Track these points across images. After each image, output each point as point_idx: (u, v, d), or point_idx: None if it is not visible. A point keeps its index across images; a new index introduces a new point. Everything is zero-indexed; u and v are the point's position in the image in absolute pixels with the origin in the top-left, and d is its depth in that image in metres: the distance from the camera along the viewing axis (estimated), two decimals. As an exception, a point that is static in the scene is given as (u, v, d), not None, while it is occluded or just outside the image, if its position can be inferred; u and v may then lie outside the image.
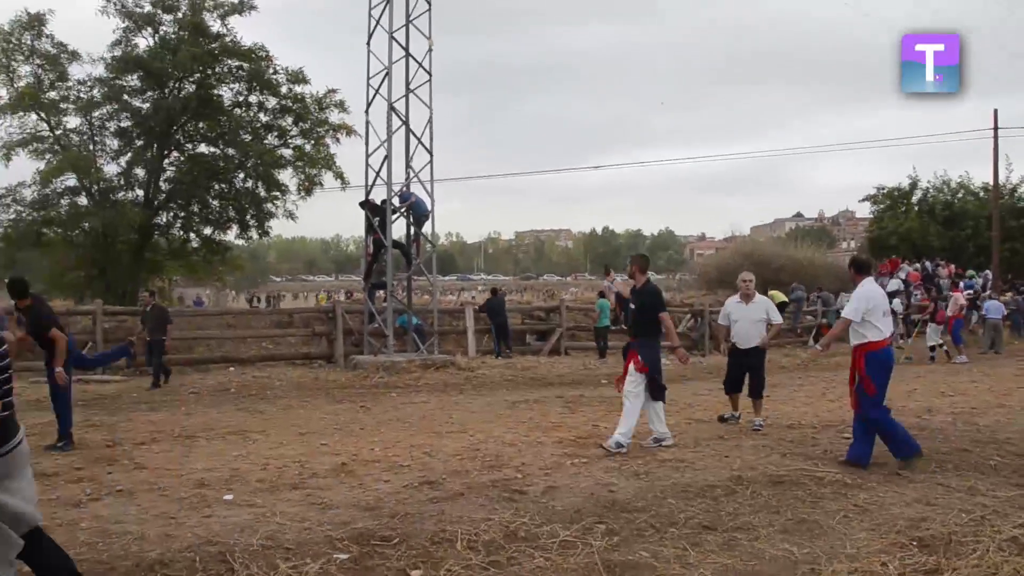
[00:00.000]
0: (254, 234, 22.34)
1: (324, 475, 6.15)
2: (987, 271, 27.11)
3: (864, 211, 40.85)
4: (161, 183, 21.14)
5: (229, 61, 20.63)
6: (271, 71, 20.68)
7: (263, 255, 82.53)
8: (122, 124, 20.71)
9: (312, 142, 21.53)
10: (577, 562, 4.17)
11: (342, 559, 4.21)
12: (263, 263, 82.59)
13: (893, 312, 19.85)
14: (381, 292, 16.20)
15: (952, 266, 28.18)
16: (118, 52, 20.20)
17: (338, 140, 21.39)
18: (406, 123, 15.37)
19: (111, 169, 20.70)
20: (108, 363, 10.95)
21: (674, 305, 22.34)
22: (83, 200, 20.38)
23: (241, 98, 21.26)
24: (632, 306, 7.34)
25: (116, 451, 7.18)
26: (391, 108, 14.94)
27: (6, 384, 3.08)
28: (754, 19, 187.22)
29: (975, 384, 12.37)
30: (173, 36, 20.39)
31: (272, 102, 21.22)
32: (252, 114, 21.47)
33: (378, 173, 15.27)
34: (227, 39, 20.44)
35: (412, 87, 15.40)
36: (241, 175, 21.41)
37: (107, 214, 19.33)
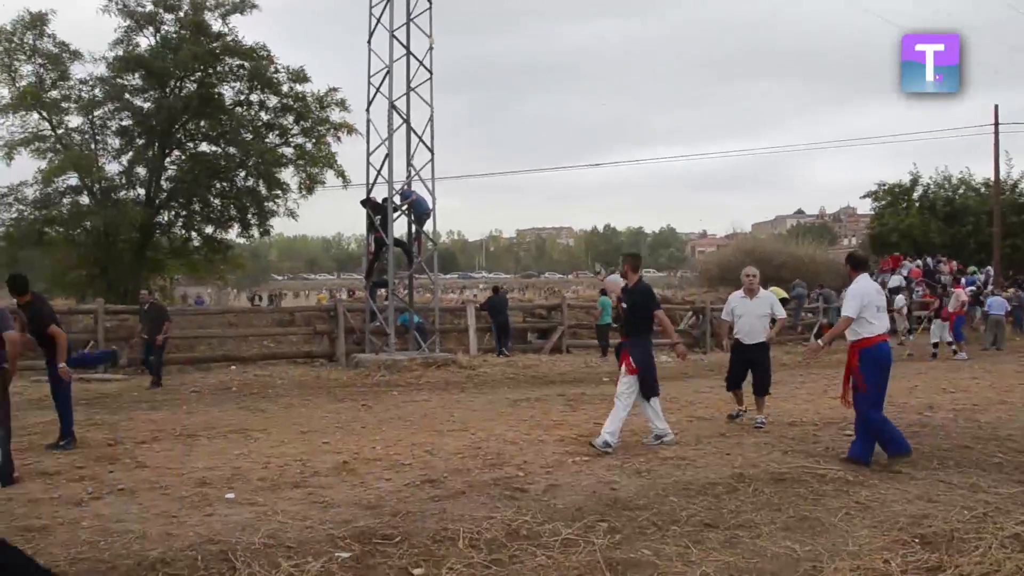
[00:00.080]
0: (255, 233, 22.39)
1: (326, 473, 6.16)
2: (988, 267, 27.09)
3: (865, 208, 40.87)
4: (162, 182, 21.17)
5: (230, 60, 20.66)
6: (272, 70, 20.70)
7: (264, 254, 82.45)
8: (123, 123, 20.76)
9: (313, 141, 21.56)
10: (579, 560, 4.17)
11: (344, 557, 4.21)
12: (264, 262, 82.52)
13: (898, 308, 20.06)
14: (383, 290, 16.21)
15: (953, 262, 28.17)
16: (119, 51, 20.26)
17: (339, 139, 21.46)
18: (407, 121, 15.36)
19: (112, 168, 20.79)
20: (90, 364, 10.78)
21: (675, 303, 22.36)
22: (85, 199, 20.45)
23: (242, 97, 21.29)
24: (624, 305, 7.30)
25: (118, 450, 7.18)
26: (392, 106, 14.93)
27: None
28: (754, 16, 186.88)
29: (976, 381, 12.35)
30: (174, 35, 20.42)
31: (273, 101, 21.28)
32: (253, 113, 21.50)
33: (379, 171, 15.28)
34: (228, 38, 20.49)
35: (413, 85, 15.39)
36: (242, 174, 21.43)
37: (109, 213, 19.36)
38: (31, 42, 19.85)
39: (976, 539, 4.41)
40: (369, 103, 15.42)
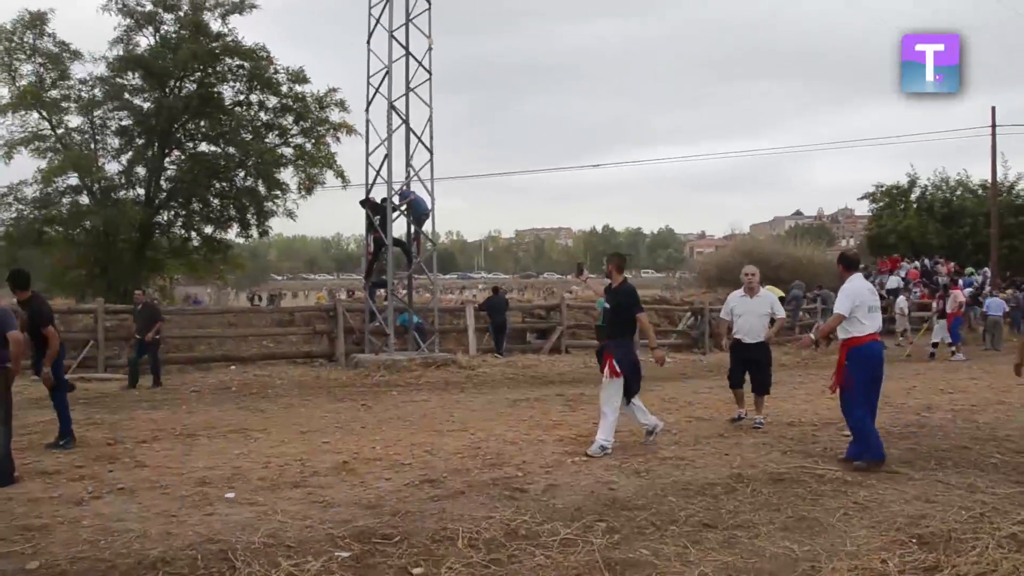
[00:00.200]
0: (255, 233, 22.35)
1: (325, 473, 6.17)
2: (986, 268, 27.13)
3: (863, 209, 40.96)
4: (162, 182, 21.14)
5: (230, 60, 20.63)
6: (271, 71, 20.70)
7: (264, 254, 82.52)
8: (123, 123, 20.72)
9: (312, 141, 21.54)
10: (578, 560, 4.18)
11: (343, 557, 4.22)
12: (264, 262, 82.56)
13: (900, 309, 20.06)
14: (382, 290, 16.22)
15: (951, 263, 28.21)
16: (119, 51, 20.24)
17: (338, 139, 21.42)
18: (406, 122, 15.38)
19: (112, 168, 20.74)
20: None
21: (674, 303, 22.38)
22: (84, 199, 20.40)
23: (242, 97, 21.27)
24: (607, 306, 7.16)
25: (118, 449, 7.19)
26: (391, 107, 14.95)
27: None
28: (754, 16, 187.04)
29: (974, 381, 12.37)
30: (174, 35, 20.40)
31: (273, 101, 21.24)
32: (253, 113, 21.47)
33: (378, 172, 15.29)
34: (228, 38, 20.46)
35: (412, 86, 15.41)
36: (242, 174, 21.39)
37: (108, 213, 19.34)
38: (31, 41, 19.82)
39: (973, 539, 4.43)
40: (368, 103, 15.45)
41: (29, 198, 19.86)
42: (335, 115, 21.25)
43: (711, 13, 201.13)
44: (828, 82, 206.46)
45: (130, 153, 20.74)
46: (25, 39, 19.76)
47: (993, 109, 27.84)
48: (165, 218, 21.84)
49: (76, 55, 20.13)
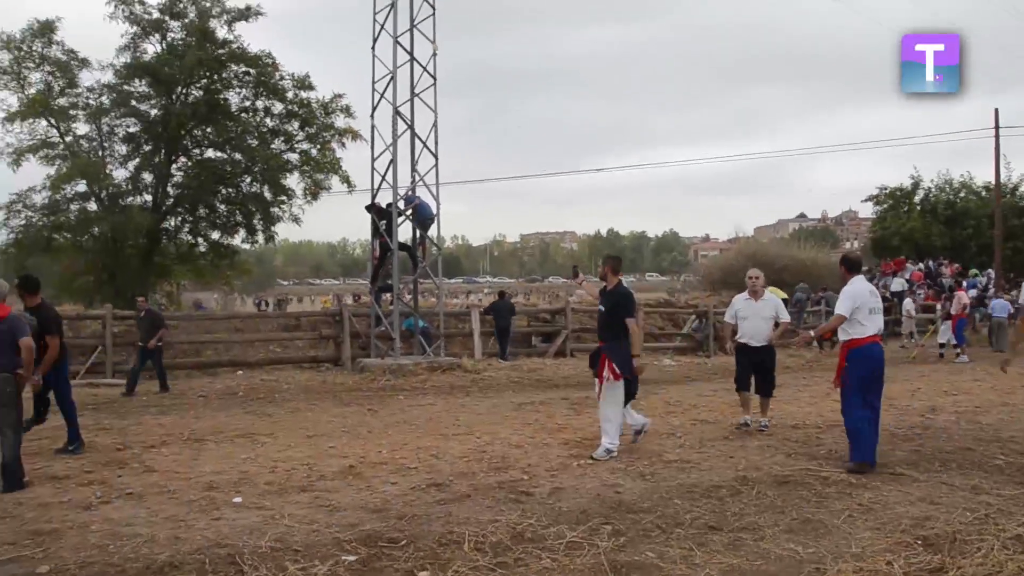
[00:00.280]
0: (261, 238, 22.45)
1: (332, 477, 6.20)
2: (989, 270, 27.05)
3: (867, 211, 40.83)
4: (169, 188, 21.27)
5: (236, 67, 20.77)
6: (277, 77, 20.82)
7: (270, 259, 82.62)
8: (130, 130, 20.88)
9: (318, 147, 21.66)
10: (584, 563, 4.20)
11: (350, 561, 4.25)
12: (270, 267, 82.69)
13: (907, 311, 20.04)
14: (387, 295, 16.26)
15: (955, 265, 28.15)
16: (126, 58, 20.41)
17: (344, 144, 21.54)
18: (411, 127, 15.42)
19: (120, 174, 20.93)
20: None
21: (679, 306, 22.37)
22: (92, 205, 20.55)
23: (248, 103, 21.41)
24: (602, 308, 7.14)
25: (126, 454, 7.24)
26: (396, 112, 14.99)
27: None
28: (754, 20, 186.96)
29: (978, 383, 12.34)
30: (181, 42, 20.52)
31: (279, 107, 21.38)
32: (259, 119, 21.60)
33: (384, 177, 15.33)
34: (234, 45, 20.59)
35: (417, 91, 15.45)
36: (248, 180, 21.53)
37: (116, 219, 19.47)
38: (39, 50, 19.98)
39: (978, 541, 4.44)
40: (373, 109, 15.52)
41: (38, 205, 20.02)
42: (340, 121, 21.42)
43: (712, 17, 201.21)
44: (828, 83, 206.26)
45: (137, 160, 20.91)
46: (34, 48, 19.92)
47: (996, 111, 27.80)
48: (172, 224, 21.98)
49: (84, 63, 20.30)
